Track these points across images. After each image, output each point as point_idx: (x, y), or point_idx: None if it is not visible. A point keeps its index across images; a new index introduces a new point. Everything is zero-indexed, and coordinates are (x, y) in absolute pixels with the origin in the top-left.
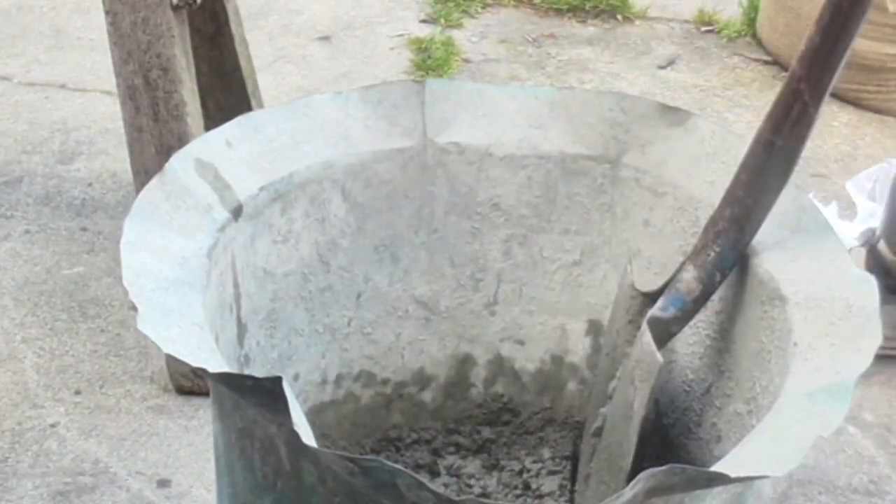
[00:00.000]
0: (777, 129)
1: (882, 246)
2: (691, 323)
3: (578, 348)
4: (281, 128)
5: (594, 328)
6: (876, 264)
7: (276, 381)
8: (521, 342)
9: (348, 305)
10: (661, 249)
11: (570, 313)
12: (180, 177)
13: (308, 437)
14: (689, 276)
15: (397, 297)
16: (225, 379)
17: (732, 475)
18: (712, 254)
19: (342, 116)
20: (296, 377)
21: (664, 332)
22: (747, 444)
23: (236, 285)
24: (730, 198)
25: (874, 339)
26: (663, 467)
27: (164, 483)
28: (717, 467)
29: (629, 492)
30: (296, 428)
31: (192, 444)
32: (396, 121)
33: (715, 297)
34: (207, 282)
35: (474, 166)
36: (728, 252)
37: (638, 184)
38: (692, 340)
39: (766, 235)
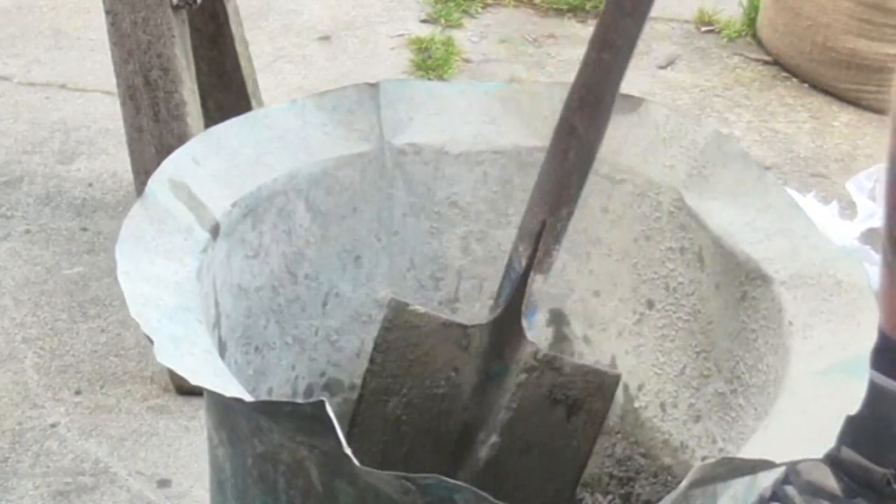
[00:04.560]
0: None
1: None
2: (657, 307)
3: (541, 339)
4: (243, 141)
5: (556, 317)
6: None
7: (319, 406)
8: None
9: (314, 315)
10: (622, 236)
11: None
12: (159, 199)
13: (356, 460)
14: (540, 284)
15: (361, 302)
16: (262, 407)
17: (777, 461)
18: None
19: (300, 125)
20: (269, 392)
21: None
22: (770, 426)
23: (217, 305)
24: (564, 197)
25: (872, 313)
26: (712, 461)
27: (164, 483)
28: (749, 453)
29: (684, 487)
30: (346, 451)
31: (193, 444)
32: (353, 126)
33: (684, 279)
34: (203, 305)
35: (431, 165)
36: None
37: (594, 172)
38: (661, 324)
39: (734, 216)
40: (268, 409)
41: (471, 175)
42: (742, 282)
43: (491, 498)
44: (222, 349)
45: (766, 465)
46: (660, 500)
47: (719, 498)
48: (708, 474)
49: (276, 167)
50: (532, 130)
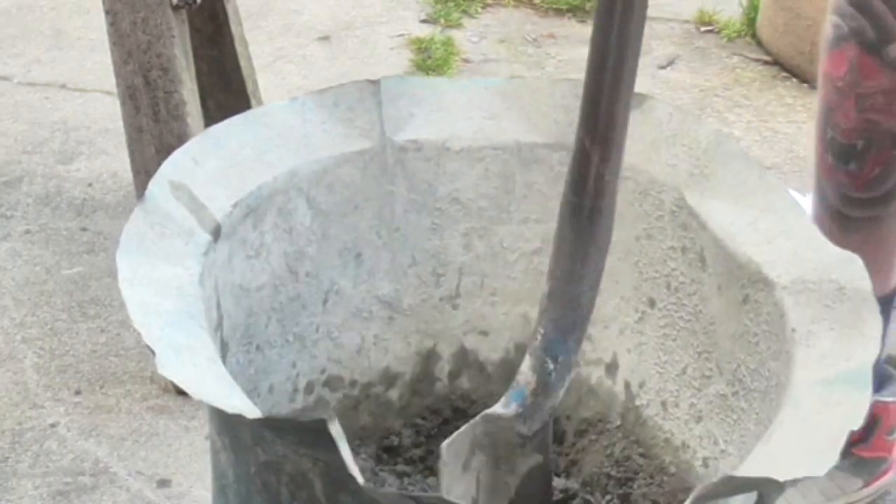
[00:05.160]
0: (578, 191)
1: None
2: (659, 306)
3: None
4: (242, 140)
5: None
6: None
7: (321, 423)
8: (484, 333)
9: (315, 312)
10: (624, 234)
11: (532, 301)
12: (159, 202)
13: (361, 479)
14: (526, 365)
15: (362, 298)
16: (266, 422)
17: (781, 479)
18: (539, 338)
19: (300, 123)
20: (270, 389)
21: (509, 431)
22: (772, 438)
23: (219, 307)
24: (548, 272)
25: (876, 322)
26: (716, 480)
27: (164, 483)
28: (752, 467)
29: None
30: (351, 471)
31: (193, 444)
32: (354, 123)
33: (685, 279)
34: (205, 308)
35: (432, 162)
36: (552, 334)
37: None
38: (663, 323)
39: (735, 217)
40: (271, 424)
41: (472, 171)
42: (744, 284)
43: None
44: (224, 350)
45: (768, 483)
46: None
47: None
48: (711, 492)
49: (276, 166)
50: (533, 126)
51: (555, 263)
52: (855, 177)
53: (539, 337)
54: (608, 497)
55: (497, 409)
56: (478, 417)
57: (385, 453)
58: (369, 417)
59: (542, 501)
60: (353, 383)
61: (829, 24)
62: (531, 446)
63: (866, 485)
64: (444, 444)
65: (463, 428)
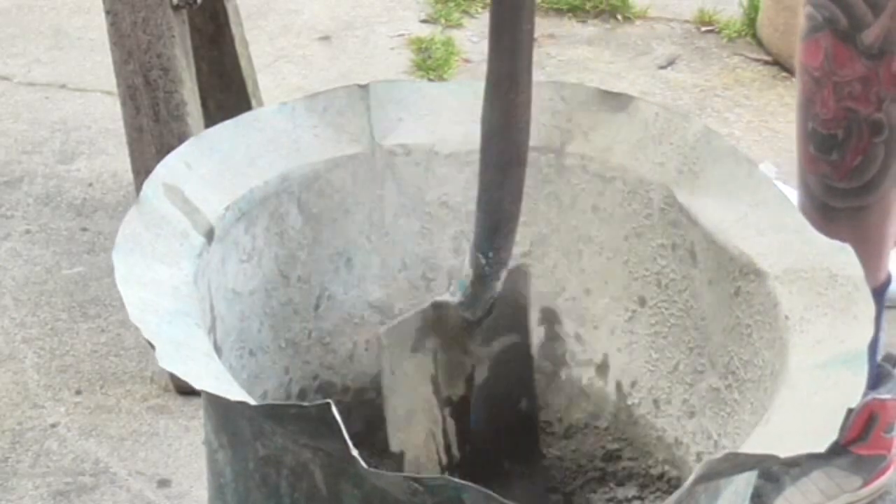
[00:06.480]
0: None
1: None
2: (649, 304)
3: (533, 338)
4: (234, 144)
5: (547, 316)
6: None
7: (325, 408)
8: None
9: (307, 317)
10: (613, 234)
11: None
12: (154, 204)
13: (364, 463)
14: (466, 262)
15: (353, 304)
16: (268, 410)
17: (782, 455)
18: (472, 238)
19: (291, 127)
20: (264, 395)
21: (455, 317)
22: (771, 420)
23: (212, 309)
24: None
25: (868, 306)
26: (718, 456)
27: (164, 483)
28: (752, 447)
29: (690, 483)
30: (353, 453)
31: (193, 444)
32: (344, 127)
33: (676, 276)
34: (199, 309)
35: (421, 166)
36: (480, 234)
37: (584, 171)
38: (654, 321)
39: (725, 212)
40: (273, 413)
41: (461, 175)
42: (735, 277)
43: (498, 497)
44: (217, 353)
45: (770, 459)
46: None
47: (721, 494)
48: (714, 469)
49: (267, 170)
50: None
51: (481, 176)
52: (837, 167)
53: (473, 237)
54: (603, 494)
55: (444, 297)
56: (427, 304)
57: (378, 459)
58: (362, 424)
59: (521, 377)
60: (346, 389)
61: (803, 15)
62: (482, 331)
63: (866, 483)
64: (384, 328)
65: (409, 314)
